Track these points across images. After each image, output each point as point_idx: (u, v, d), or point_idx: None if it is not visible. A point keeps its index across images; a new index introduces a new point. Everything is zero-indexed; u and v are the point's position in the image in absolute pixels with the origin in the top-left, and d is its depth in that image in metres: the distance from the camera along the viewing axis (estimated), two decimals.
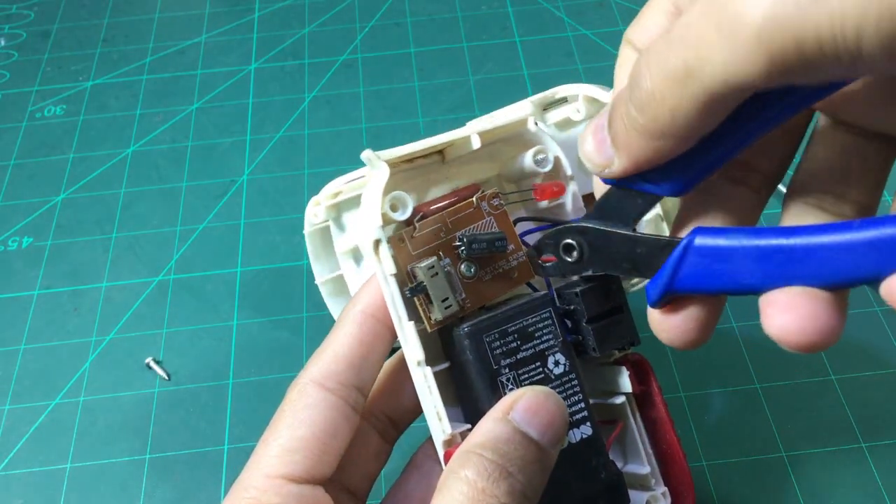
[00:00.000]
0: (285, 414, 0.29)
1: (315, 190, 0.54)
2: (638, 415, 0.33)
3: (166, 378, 0.46)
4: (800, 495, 0.40)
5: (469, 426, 0.29)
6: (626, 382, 0.32)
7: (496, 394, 0.29)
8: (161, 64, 0.63)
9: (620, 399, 0.33)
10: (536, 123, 0.33)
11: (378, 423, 0.33)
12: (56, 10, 0.68)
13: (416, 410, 0.32)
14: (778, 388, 0.43)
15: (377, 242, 0.29)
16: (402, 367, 0.31)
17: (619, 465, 0.33)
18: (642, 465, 0.33)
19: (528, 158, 0.32)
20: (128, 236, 0.52)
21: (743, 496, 0.40)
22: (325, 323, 0.47)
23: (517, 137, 0.33)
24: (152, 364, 0.46)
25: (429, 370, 0.29)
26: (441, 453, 0.28)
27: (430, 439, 0.31)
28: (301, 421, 0.29)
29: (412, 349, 0.29)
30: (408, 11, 0.66)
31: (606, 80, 0.58)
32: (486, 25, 0.65)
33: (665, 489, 0.32)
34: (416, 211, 0.30)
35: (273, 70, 0.62)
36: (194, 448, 0.43)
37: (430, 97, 0.59)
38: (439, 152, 0.32)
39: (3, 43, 0.66)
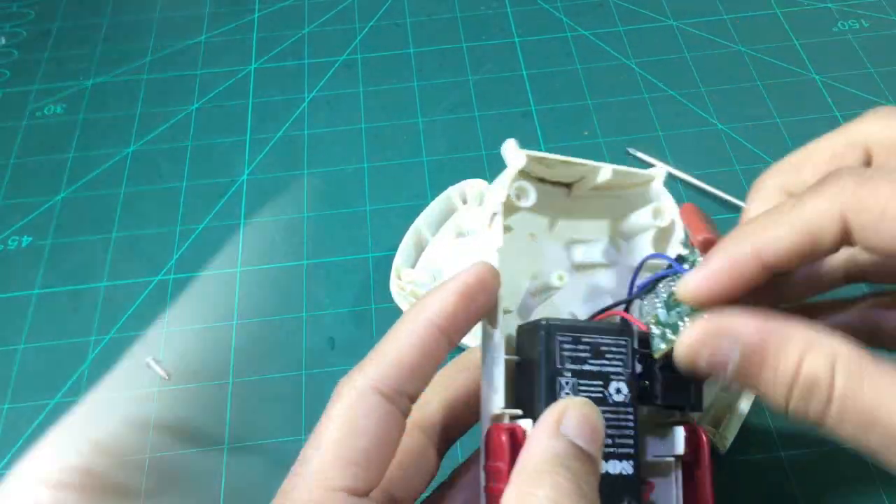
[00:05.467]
0: (341, 419, 0.27)
1: (315, 189, 0.54)
2: (680, 481, 0.31)
3: (166, 378, 0.46)
4: (799, 495, 0.40)
5: (520, 412, 0.29)
6: (679, 442, 0.30)
7: (551, 392, 0.28)
8: (161, 63, 0.63)
9: (670, 459, 0.31)
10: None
11: (435, 435, 0.32)
12: (56, 8, 0.68)
13: (469, 421, 0.33)
14: None
15: (494, 215, 0.30)
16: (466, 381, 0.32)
17: None
18: None
19: (646, 212, 0.33)
20: (128, 236, 0.52)
21: (743, 496, 0.40)
22: (324, 323, 0.47)
23: (637, 195, 0.34)
24: (152, 364, 0.46)
25: (499, 333, 0.29)
26: (486, 427, 0.29)
27: (470, 457, 0.32)
28: (362, 430, 0.27)
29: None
30: (407, 12, 0.66)
31: (605, 80, 0.59)
32: (485, 25, 0.65)
33: None
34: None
35: (273, 70, 0.62)
36: (194, 448, 0.43)
37: (430, 97, 0.59)
38: (567, 185, 0.33)
39: (3, 41, 0.66)
